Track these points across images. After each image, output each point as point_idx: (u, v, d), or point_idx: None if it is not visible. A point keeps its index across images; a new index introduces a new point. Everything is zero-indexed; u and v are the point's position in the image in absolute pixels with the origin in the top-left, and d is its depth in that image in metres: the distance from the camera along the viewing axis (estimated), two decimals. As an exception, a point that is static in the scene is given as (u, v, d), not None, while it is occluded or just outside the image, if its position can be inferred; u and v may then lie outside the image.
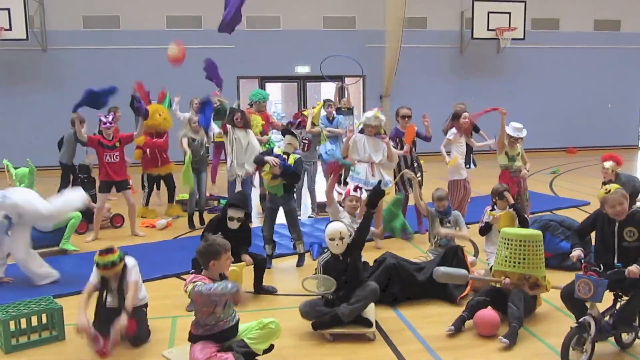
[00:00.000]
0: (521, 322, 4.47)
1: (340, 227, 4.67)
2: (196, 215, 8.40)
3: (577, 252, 4.23)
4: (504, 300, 4.64)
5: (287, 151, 6.28)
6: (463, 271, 4.89)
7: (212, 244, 3.83)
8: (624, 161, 7.31)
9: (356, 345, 4.42)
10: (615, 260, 4.18)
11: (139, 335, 4.44)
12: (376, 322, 4.72)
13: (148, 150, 8.66)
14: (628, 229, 4.17)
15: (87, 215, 7.65)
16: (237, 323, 3.92)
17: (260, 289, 5.53)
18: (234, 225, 5.45)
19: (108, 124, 7.50)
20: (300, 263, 6.50)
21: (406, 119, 7.61)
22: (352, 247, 4.69)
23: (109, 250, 4.34)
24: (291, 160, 6.22)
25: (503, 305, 4.62)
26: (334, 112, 9.32)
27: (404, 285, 5.23)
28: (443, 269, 4.83)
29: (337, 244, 4.62)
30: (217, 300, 3.67)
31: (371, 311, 4.69)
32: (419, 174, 7.35)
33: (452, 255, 5.46)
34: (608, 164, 7.10)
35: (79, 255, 7.00)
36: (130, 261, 4.49)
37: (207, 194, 9.43)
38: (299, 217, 7.40)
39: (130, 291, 4.35)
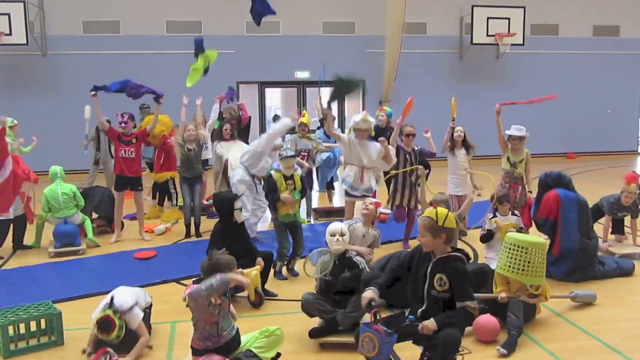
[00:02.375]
0: (520, 330, 4.45)
1: (341, 225, 4.82)
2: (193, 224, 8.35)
3: (368, 294, 3.54)
4: (501, 307, 4.64)
5: (286, 174, 6.18)
6: None
7: (214, 263, 3.76)
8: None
9: (355, 352, 4.40)
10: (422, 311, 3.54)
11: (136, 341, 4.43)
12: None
13: (162, 155, 8.83)
14: (439, 276, 3.49)
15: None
16: (237, 333, 3.88)
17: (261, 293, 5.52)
18: (241, 216, 5.60)
19: (123, 124, 7.60)
20: (279, 276, 6.21)
21: (410, 137, 7.18)
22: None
23: (109, 326, 4.14)
24: (297, 180, 6.22)
25: (501, 312, 4.61)
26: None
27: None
28: None
29: (337, 239, 4.67)
30: (213, 300, 3.62)
31: (367, 317, 4.67)
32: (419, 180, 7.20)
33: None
34: (633, 186, 6.66)
35: (80, 260, 7.01)
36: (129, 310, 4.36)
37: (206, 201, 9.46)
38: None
39: (140, 340, 4.29)
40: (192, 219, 8.13)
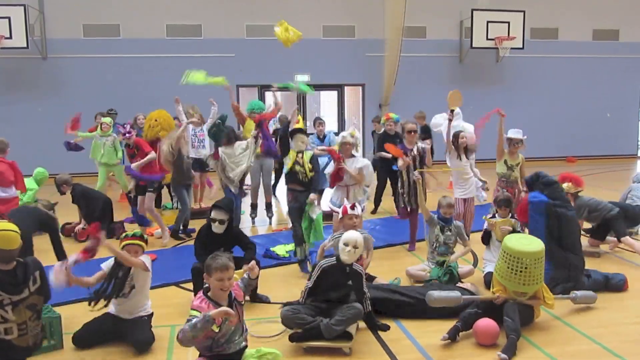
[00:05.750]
0: (518, 334, 4.42)
1: (358, 236, 4.62)
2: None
3: None
4: (496, 310, 4.62)
5: (299, 149, 6.34)
6: (456, 293, 4.88)
7: (209, 261, 3.72)
8: (584, 184, 6.94)
9: (355, 356, 4.39)
10: None
11: (141, 340, 4.46)
12: (376, 331, 4.69)
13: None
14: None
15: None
16: (240, 351, 3.84)
17: (254, 298, 5.48)
18: (218, 228, 5.35)
19: (127, 135, 7.56)
20: (304, 269, 6.30)
21: (412, 133, 7.12)
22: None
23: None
24: (306, 158, 6.36)
25: (496, 316, 4.59)
26: (325, 130, 9.31)
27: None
28: (436, 293, 4.81)
29: (349, 250, 4.54)
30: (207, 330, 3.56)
31: (353, 328, 4.58)
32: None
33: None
34: (565, 185, 6.56)
35: (78, 266, 6.98)
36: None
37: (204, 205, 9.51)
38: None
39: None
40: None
